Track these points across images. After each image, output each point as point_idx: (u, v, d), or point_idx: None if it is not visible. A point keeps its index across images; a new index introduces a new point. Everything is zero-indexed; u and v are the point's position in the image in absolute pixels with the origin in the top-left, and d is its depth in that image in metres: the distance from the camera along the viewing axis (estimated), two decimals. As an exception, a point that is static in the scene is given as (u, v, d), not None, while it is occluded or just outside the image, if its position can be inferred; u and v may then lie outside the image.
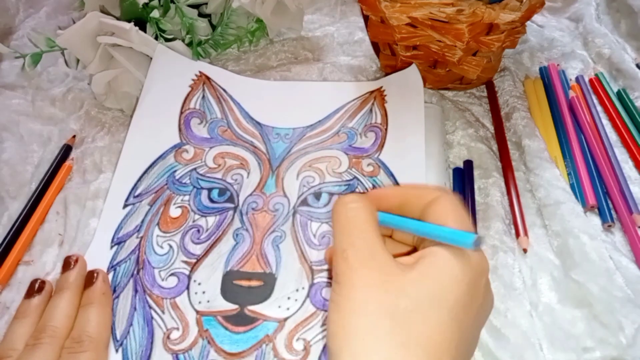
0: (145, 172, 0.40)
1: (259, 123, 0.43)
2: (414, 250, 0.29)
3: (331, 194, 0.38)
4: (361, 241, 0.26)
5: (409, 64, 0.45)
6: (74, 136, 0.44)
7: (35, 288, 0.33)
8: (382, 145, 0.41)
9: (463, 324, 0.24)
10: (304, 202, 0.38)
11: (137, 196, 0.39)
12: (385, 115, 0.43)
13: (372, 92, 0.45)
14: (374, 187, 0.39)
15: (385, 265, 0.25)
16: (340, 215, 0.27)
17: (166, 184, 0.39)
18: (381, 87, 0.45)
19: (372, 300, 0.24)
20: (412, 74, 0.44)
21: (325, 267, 0.35)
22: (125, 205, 0.38)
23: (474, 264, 0.25)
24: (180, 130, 0.43)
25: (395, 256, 0.26)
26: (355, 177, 0.40)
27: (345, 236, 0.26)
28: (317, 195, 0.38)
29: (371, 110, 0.44)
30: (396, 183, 0.39)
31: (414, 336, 0.23)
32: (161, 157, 0.41)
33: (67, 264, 0.34)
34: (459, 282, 0.24)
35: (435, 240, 0.26)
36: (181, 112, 0.44)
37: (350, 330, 0.23)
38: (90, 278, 0.33)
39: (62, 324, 0.30)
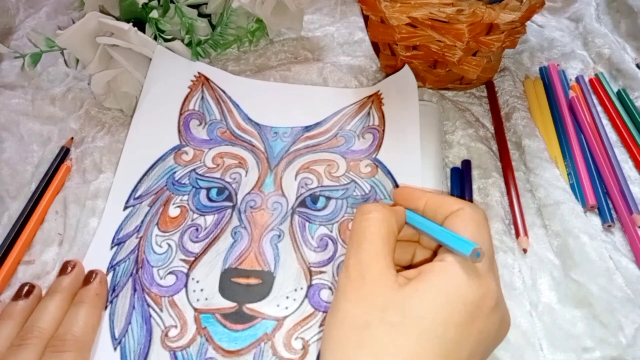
0: (146, 174, 0.40)
1: (257, 124, 0.43)
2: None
3: (328, 198, 0.38)
4: (365, 254, 0.27)
5: (409, 64, 0.45)
6: (72, 138, 0.44)
7: (24, 292, 0.32)
8: (379, 146, 0.41)
9: (453, 343, 0.24)
10: (302, 204, 0.38)
11: (138, 198, 0.39)
12: (382, 117, 0.43)
13: (369, 96, 0.45)
14: (372, 188, 0.39)
15: (381, 279, 0.26)
16: (354, 226, 0.29)
17: (166, 185, 0.39)
18: (378, 91, 0.45)
19: (354, 312, 0.25)
20: (406, 74, 0.44)
21: (324, 269, 0.35)
22: (125, 207, 0.38)
23: (479, 285, 0.25)
24: (179, 131, 0.43)
25: (421, 263, 0.27)
26: (352, 181, 0.40)
27: (353, 247, 0.27)
28: (315, 199, 0.38)
29: (369, 113, 0.44)
30: (394, 181, 0.39)
31: (391, 349, 0.23)
32: (161, 158, 0.41)
33: (65, 268, 0.33)
34: (454, 300, 0.24)
35: (445, 246, 0.27)
36: (180, 114, 0.44)
37: (332, 338, 0.25)
38: (88, 277, 0.33)
39: (49, 326, 0.30)
